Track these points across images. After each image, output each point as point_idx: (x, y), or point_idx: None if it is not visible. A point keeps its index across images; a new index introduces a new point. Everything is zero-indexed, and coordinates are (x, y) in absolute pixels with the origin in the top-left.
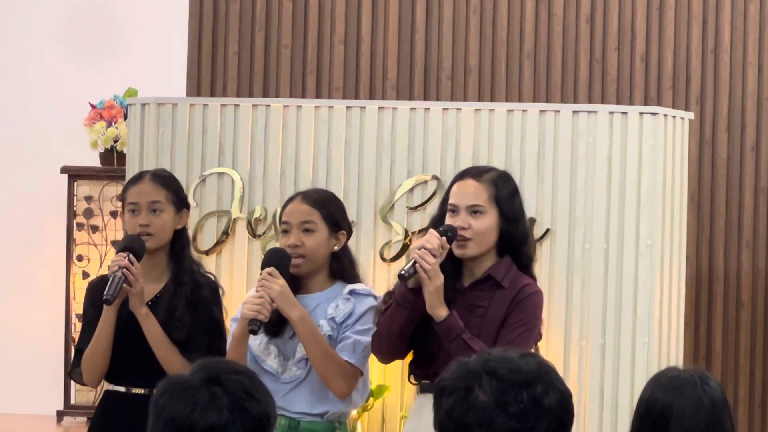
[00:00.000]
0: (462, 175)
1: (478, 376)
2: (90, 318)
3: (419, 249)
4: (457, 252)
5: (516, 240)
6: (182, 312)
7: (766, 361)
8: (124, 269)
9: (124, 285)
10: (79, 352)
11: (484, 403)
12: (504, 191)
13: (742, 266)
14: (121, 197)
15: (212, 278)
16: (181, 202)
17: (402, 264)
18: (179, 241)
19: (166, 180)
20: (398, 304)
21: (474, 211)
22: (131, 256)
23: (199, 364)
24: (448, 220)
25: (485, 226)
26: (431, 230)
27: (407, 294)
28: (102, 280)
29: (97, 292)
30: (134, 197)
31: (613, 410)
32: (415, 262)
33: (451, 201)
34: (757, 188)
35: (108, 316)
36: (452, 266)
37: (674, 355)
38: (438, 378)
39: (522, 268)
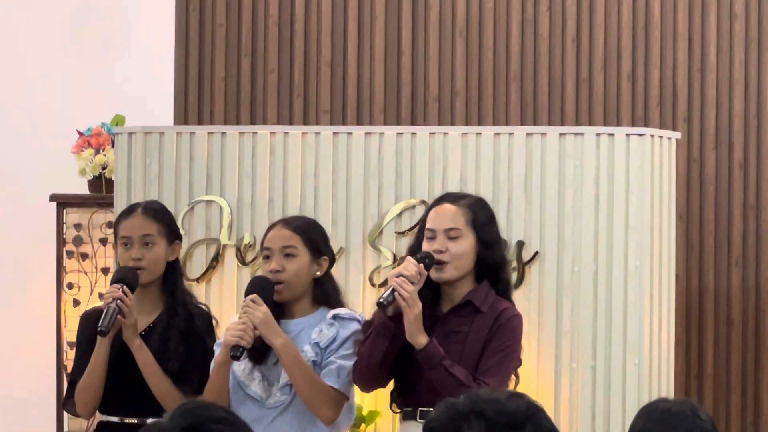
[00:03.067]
0: (439, 201)
1: (467, 418)
2: (83, 350)
3: (397, 277)
4: (434, 276)
5: (494, 265)
6: (175, 343)
7: (758, 379)
8: (118, 301)
9: (118, 317)
10: (73, 384)
11: None
12: (481, 216)
13: (732, 284)
14: (114, 230)
15: (205, 309)
16: (173, 234)
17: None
18: (172, 273)
19: (157, 213)
20: (378, 333)
21: (451, 236)
22: (125, 287)
23: (179, 409)
24: (425, 245)
25: (462, 249)
26: (408, 257)
27: (387, 322)
28: (95, 312)
29: (90, 324)
30: (126, 231)
31: None
32: (393, 290)
33: (428, 226)
34: (746, 205)
35: (102, 348)
36: (430, 293)
37: (665, 376)
38: (427, 419)
39: (500, 292)
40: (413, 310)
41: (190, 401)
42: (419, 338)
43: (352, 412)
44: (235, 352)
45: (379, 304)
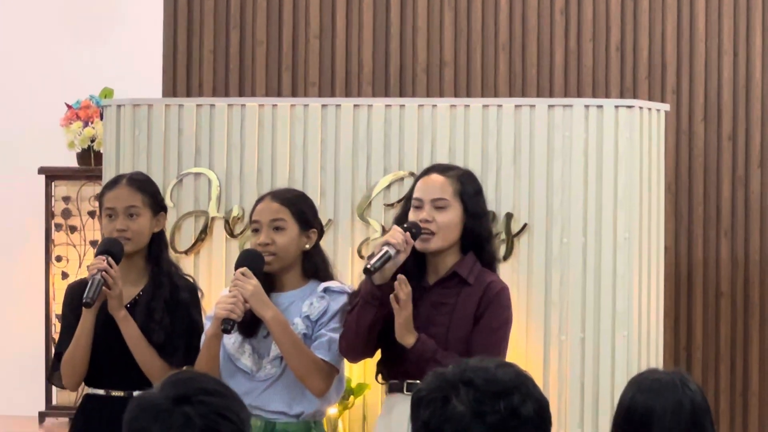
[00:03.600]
0: (427, 171)
1: (455, 387)
2: (69, 322)
3: (384, 245)
4: (420, 246)
5: (480, 237)
6: (161, 315)
7: (747, 350)
8: (103, 272)
9: (104, 288)
10: (58, 356)
11: (462, 413)
12: (469, 188)
13: (721, 256)
14: (99, 201)
15: (191, 281)
16: (158, 206)
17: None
18: (157, 245)
19: (142, 184)
20: (365, 302)
21: (438, 206)
22: (110, 259)
23: (169, 380)
24: (412, 215)
25: (449, 219)
26: (395, 226)
27: (373, 291)
28: (80, 284)
29: (75, 296)
30: (111, 202)
31: (593, 404)
32: (381, 257)
33: (415, 195)
34: (735, 177)
35: (87, 320)
36: (416, 264)
37: (654, 347)
38: (415, 389)
39: (485, 265)
40: (403, 313)
41: (181, 372)
42: (408, 338)
43: (341, 385)
44: (226, 325)
45: (366, 270)
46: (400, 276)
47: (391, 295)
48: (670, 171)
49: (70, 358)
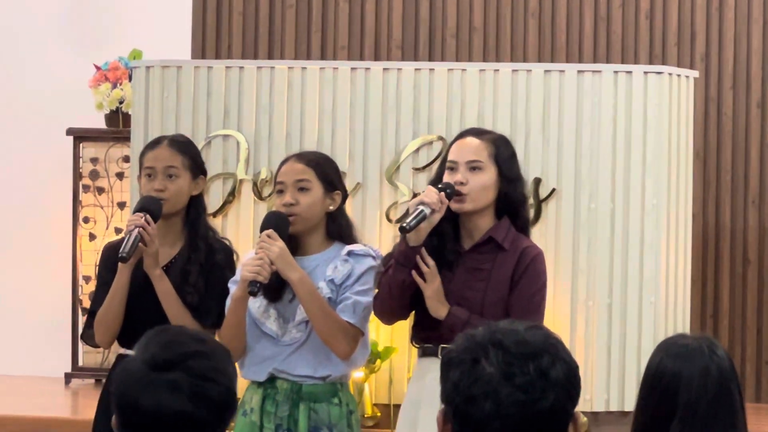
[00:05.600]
0: (463, 134)
1: (485, 348)
2: (104, 280)
3: (418, 204)
4: (454, 207)
5: (515, 201)
6: (195, 278)
7: None
8: (140, 229)
9: (140, 244)
10: (92, 314)
11: (491, 374)
12: (504, 151)
13: (748, 223)
14: (139, 161)
15: (227, 243)
16: (197, 169)
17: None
18: (195, 207)
19: (183, 146)
20: (399, 264)
21: (473, 167)
22: (148, 216)
23: (150, 343)
24: (447, 177)
25: (483, 181)
26: (429, 186)
27: (407, 251)
28: (118, 243)
29: (112, 255)
30: (151, 162)
31: (620, 369)
32: (417, 214)
33: (450, 158)
34: (763, 144)
35: (122, 276)
36: (452, 229)
37: (681, 314)
38: (445, 350)
39: (519, 230)
40: (431, 286)
41: (158, 330)
42: (440, 311)
43: (366, 348)
44: (253, 287)
45: (401, 229)
46: (422, 250)
47: (414, 272)
48: (699, 138)
49: (104, 315)
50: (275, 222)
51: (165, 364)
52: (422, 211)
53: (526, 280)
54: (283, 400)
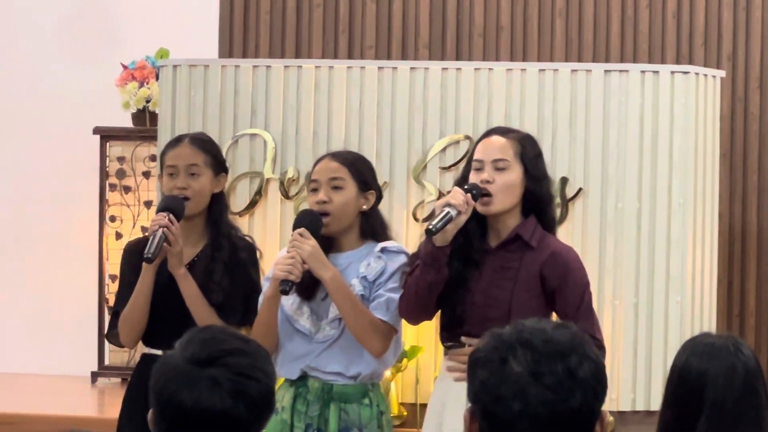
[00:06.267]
0: (488, 133)
1: (513, 347)
2: (128, 280)
3: (444, 206)
4: (481, 209)
5: (541, 200)
6: (220, 276)
7: None
8: (165, 228)
9: (164, 244)
10: (116, 314)
11: (519, 374)
12: (530, 150)
13: None
14: (160, 160)
15: (250, 241)
16: (219, 166)
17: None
18: (217, 205)
19: (204, 143)
20: (425, 264)
21: (499, 167)
22: (171, 215)
23: (192, 340)
24: (473, 176)
25: (510, 180)
26: (455, 187)
27: (434, 252)
28: (139, 242)
29: (134, 254)
30: (172, 160)
31: (646, 368)
32: (443, 215)
33: (476, 157)
34: None
35: (147, 276)
36: (478, 227)
37: (707, 313)
38: (472, 350)
39: (546, 228)
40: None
41: (200, 329)
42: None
43: (399, 346)
44: (284, 286)
45: (427, 231)
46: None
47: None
48: (725, 137)
49: (129, 315)
50: (308, 220)
51: (206, 359)
52: (448, 212)
53: (572, 285)
54: (314, 400)
